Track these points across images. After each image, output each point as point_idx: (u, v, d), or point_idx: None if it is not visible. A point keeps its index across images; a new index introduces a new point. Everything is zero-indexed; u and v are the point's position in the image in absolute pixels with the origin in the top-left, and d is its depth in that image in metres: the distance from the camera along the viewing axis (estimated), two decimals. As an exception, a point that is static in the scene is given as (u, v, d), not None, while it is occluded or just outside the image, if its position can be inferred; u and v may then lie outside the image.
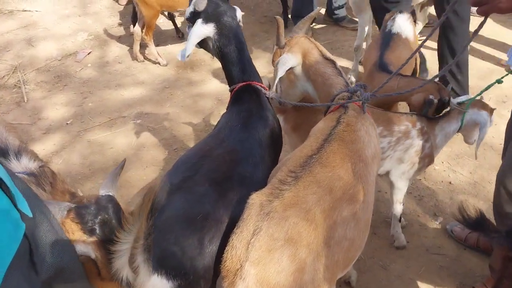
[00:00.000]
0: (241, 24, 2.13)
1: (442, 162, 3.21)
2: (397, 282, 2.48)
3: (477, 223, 1.69)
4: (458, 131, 2.44)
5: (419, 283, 2.48)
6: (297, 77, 2.08)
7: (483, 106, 2.38)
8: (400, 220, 2.61)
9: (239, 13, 2.12)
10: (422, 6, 4.28)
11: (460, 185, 3.04)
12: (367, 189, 1.61)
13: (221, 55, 2.08)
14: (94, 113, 3.91)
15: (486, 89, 2.34)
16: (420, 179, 3.08)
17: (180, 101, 4.03)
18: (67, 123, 3.78)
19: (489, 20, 1.48)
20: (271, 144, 1.96)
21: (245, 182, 1.65)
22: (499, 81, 2.28)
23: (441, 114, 2.44)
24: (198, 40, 2.05)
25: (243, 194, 1.54)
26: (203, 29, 2.01)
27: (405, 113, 2.43)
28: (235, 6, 2.14)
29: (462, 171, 3.15)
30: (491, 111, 2.37)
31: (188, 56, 2.05)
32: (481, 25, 1.43)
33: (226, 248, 1.40)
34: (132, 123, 3.76)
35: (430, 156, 2.45)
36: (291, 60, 2.00)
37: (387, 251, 2.65)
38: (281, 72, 2.00)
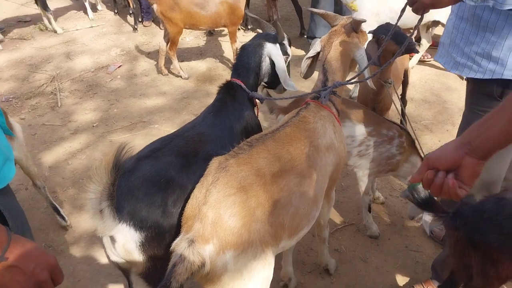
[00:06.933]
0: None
1: (432, 171, 3.38)
2: (374, 273, 2.66)
3: (426, 203, 1.85)
4: None
5: (395, 275, 2.65)
6: None
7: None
8: (370, 211, 2.83)
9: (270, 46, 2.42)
10: (428, 27, 4.51)
11: (446, 192, 3.20)
12: (315, 169, 1.83)
13: None
14: (118, 118, 4.31)
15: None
16: (408, 185, 3.26)
17: (196, 110, 4.38)
18: (93, 126, 4.19)
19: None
20: (244, 133, 2.16)
21: (210, 159, 1.74)
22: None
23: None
24: None
25: None
26: None
27: (396, 123, 2.69)
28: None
29: (451, 179, 3.30)
30: None
31: None
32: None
33: (188, 201, 1.61)
34: (150, 127, 4.14)
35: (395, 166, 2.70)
36: (317, 46, 2.23)
37: (368, 247, 2.84)
38: (309, 53, 2.26)
